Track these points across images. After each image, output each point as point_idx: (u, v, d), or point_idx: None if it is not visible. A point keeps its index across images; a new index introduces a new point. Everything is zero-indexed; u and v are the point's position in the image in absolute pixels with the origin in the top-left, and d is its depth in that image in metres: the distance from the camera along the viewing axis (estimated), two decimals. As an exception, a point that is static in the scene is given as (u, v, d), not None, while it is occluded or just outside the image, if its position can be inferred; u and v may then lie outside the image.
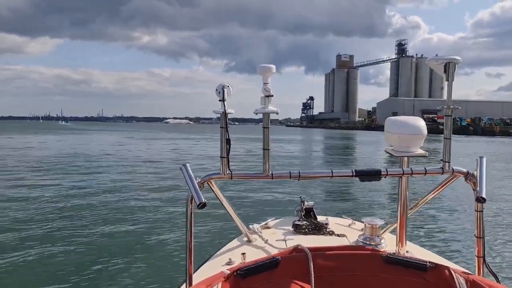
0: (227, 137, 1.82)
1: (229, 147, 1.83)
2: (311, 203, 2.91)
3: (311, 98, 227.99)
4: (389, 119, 2.07)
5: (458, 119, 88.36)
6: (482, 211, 1.85)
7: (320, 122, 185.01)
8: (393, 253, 1.96)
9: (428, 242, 6.57)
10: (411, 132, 1.95)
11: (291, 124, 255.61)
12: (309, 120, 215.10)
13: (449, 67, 1.84)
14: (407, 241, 2.20)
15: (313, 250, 1.87)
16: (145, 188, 11.59)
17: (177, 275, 4.67)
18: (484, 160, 1.89)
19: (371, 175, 1.89)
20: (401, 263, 1.83)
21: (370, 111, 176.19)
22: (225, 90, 1.78)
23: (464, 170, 1.92)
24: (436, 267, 1.78)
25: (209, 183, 1.87)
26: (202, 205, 1.61)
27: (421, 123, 1.98)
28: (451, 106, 1.89)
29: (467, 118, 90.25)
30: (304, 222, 2.72)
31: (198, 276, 1.81)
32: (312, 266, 1.76)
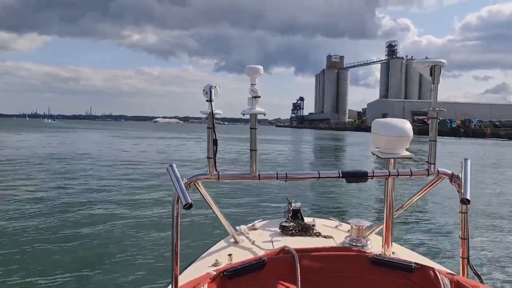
0: (214, 137, 1.82)
1: (216, 147, 1.83)
2: (298, 204, 2.92)
3: (301, 99, 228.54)
4: (375, 121, 2.08)
5: (448, 121, 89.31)
6: (466, 212, 1.87)
7: (310, 123, 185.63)
8: (379, 254, 1.98)
9: (414, 243, 6.63)
10: (397, 134, 1.96)
11: (281, 124, 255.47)
12: (299, 121, 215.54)
13: (435, 70, 1.85)
14: (393, 242, 2.21)
15: (300, 251, 1.88)
16: (130, 188, 11.44)
17: (163, 277, 4.61)
18: (469, 162, 1.91)
19: (358, 176, 1.89)
20: (386, 264, 1.84)
21: (360, 112, 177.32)
22: (213, 90, 1.78)
23: (449, 171, 1.94)
24: (422, 268, 1.79)
25: (195, 183, 1.87)
26: (188, 206, 1.61)
27: (407, 125, 1.99)
28: (437, 109, 1.91)
29: (457, 120, 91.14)
30: (291, 224, 2.72)
31: (184, 278, 1.80)
32: (298, 267, 1.77)
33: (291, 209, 2.88)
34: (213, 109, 1.79)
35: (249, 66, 1.82)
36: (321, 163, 23.56)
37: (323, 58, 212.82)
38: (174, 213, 1.69)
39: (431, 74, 1.86)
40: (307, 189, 12.07)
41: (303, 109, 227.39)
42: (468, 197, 1.78)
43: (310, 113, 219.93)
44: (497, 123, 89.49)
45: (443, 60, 1.86)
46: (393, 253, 2.17)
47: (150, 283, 4.74)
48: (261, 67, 1.83)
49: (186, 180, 1.78)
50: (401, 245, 2.53)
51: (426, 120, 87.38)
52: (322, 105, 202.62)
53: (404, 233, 7.34)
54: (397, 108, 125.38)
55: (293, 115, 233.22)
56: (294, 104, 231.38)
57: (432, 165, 1.93)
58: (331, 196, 11.51)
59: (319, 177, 1.88)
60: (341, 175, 1.87)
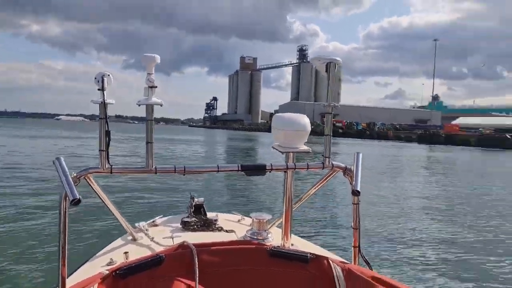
0: (107, 128, 1.73)
1: (109, 139, 1.75)
2: (201, 199, 2.87)
3: (215, 99, 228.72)
4: (275, 116, 2.10)
5: (354, 124, 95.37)
6: (358, 203, 1.96)
7: (223, 123, 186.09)
8: (278, 246, 2.01)
9: (312, 234, 6.94)
10: (296, 129, 2.00)
11: (194, 124, 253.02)
12: (212, 121, 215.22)
13: (330, 67, 1.92)
14: (292, 234, 2.26)
15: (199, 246, 1.85)
16: (13, 189, 10.41)
17: (52, 280, 4.30)
18: (360, 155, 2.00)
19: (257, 169, 1.91)
20: (284, 255, 1.88)
21: (272, 113, 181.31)
22: (105, 78, 1.69)
23: (343, 165, 2.02)
24: (317, 258, 1.85)
25: (86, 178, 1.76)
26: (76, 202, 1.51)
27: (305, 120, 2.04)
28: (331, 104, 1.98)
29: (363, 123, 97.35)
30: (193, 219, 2.68)
31: (74, 279, 1.69)
32: (196, 262, 1.74)
33: (193, 204, 2.83)
34: (105, 99, 1.69)
35: (144, 55, 1.76)
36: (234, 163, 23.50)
37: (237, 59, 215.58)
38: (61, 210, 1.58)
39: (326, 71, 1.93)
40: (212, 184, 12.12)
41: (216, 109, 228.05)
42: (359, 189, 1.87)
43: (223, 114, 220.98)
44: (397, 126, 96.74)
45: (338, 58, 1.93)
46: (292, 244, 2.21)
47: (37, 286, 4.39)
48: (157, 56, 1.77)
49: (75, 174, 1.67)
50: (300, 236, 2.60)
51: (334, 122, 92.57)
52: (235, 106, 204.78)
53: (303, 225, 7.65)
54: (308, 110, 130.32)
55: (206, 115, 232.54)
56: (207, 104, 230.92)
57: (327, 159, 2.00)
58: (235, 191, 11.66)
59: (218, 171, 1.87)
60: (240, 168, 1.87)
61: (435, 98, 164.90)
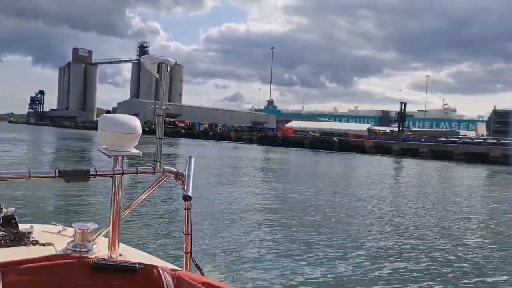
0: None
1: None
2: (11, 210, 2.49)
3: (42, 93, 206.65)
4: (103, 116, 1.96)
5: (197, 124, 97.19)
6: (189, 209, 1.93)
7: (52, 120, 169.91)
8: (103, 258, 1.86)
9: (144, 243, 6.78)
10: (125, 131, 1.89)
11: (15, 120, 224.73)
12: (38, 117, 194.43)
13: (161, 68, 1.86)
14: (122, 244, 2.13)
15: (5, 265, 1.59)
16: None
17: None
18: (193, 159, 1.98)
19: (78, 175, 1.73)
20: (109, 268, 1.74)
21: (110, 111, 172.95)
22: None
23: (174, 169, 1.97)
24: (145, 267, 1.76)
25: None
26: None
27: (136, 122, 1.94)
28: (163, 106, 1.92)
29: (205, 124, 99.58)
30: (1, 233, 2.32)
31: None
32: (1, 286, 1.50)
33: (2, 216, 2.45)
34: None
35: None
36: (66, 167, 21.57)
37: (69, 50, 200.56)
38: None
39: (158, 71, 1.86)
40: (27, 191, 10.86)
41: (43, 104, 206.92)
42: (190, 194, 1.84)
43: (52, 109, 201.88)
44: (237, 128, 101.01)
45: (170, 59, 1.88)
46: (120, 255, 2.08)
47: None
48: None
49: None
50: (131, 246, 2.47)
51: (177, 122, 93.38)
52: (67, 101, 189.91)
53: (134, 233, 7.41)
54: (149, 109, 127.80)
55: (31, 110, 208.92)
56: (32, 98, 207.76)
57: (158, 163, 1.93)
58: (56, 198, 10.79)
59: (29, 177, 1.63)
60: (58, 174, 1.67)
61: (271, 102, 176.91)
